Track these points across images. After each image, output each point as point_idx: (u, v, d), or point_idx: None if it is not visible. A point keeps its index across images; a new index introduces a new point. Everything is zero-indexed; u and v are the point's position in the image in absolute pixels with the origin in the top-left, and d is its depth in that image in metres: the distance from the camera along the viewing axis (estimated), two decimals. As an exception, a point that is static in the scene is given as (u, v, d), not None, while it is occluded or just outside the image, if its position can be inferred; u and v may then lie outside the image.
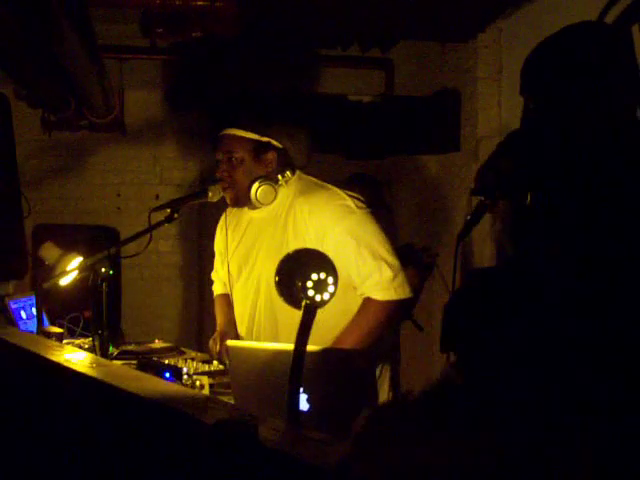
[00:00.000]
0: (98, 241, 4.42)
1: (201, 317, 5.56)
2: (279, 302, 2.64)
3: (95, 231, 5.00)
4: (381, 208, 4.24)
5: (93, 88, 4.13)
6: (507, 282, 1.03)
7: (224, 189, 2.86)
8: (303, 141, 2.91)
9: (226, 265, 3.03)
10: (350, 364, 1.95)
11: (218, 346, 2.93)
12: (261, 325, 2.86)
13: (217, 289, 3.27)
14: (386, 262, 2.73)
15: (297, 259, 1.74)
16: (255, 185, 2.79)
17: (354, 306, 2.76)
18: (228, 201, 2.91)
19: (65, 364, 2.11)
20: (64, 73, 3.74)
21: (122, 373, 2.09)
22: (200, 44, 4.83)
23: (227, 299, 3.14)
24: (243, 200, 2.86)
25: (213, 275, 3.30)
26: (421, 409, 0.99)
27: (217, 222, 3.18)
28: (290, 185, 2.86)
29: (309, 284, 1.69)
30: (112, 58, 4.85)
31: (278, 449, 1.41)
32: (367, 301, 2.75)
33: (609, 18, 3.66)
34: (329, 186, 2.86)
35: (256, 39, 5.17)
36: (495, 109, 4.96)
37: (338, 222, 2.72)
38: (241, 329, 2.97)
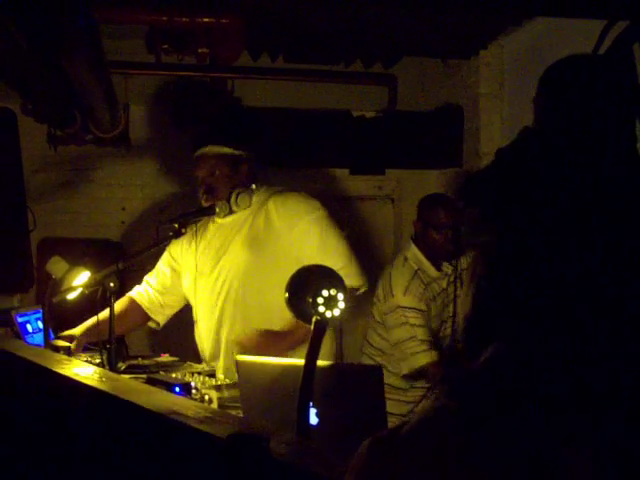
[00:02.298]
0: (103, 255, 4.44)
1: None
2: (250, 289, 3.05)
3: (100, 245, 5.01)
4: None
5: (99, 103, 4.15)
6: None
7: (206, 201, 3.14)
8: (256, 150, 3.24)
9: (172, 273, 3.34)
10: (359, 379, 1.97)
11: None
12: (230, 310, 3.12)
13: (134, 291, 3.45)
14: (343, 251, 3.06)
15: (308, 275, 1.77)
16: (234, 193, 3.09)
17: None
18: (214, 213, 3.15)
19: (75, 378, 2.12)
20: (71, 89, 3.77)
21: (132, 387, 2.11)
22: (205, 60, 4.86)
23: (132, 304, 3.38)
24: (228, 209, 3.12)
25: (147, 277, 3.45)
26: (416, 440, 1.00)
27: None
28: (261, 192, 3.16)
29: (320, 300, 1.72)
30: (118, 73, 4.87)
31: (290, 462, 1.43)
32: None
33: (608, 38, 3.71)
34: (292, 190, 3.21)
35: (260, 55, 5.22)
36: (497, 125, 5.00)
37: (306, 215, 3.06)
38: (208, 318, 3.19)
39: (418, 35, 4.76)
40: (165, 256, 3.38)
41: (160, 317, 3.43)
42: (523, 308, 1.01)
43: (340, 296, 1.72)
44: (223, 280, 3.13)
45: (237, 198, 3.08)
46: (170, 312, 3.45)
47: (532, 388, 0.97)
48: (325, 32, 4.67)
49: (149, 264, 3.34)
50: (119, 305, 3.27)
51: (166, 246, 3.16)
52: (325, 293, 1.70)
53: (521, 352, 1.00)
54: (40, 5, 2.69)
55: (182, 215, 3.00)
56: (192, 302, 3.30)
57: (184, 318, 5.22)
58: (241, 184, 3.13)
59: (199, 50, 4.61)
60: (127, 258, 3.03)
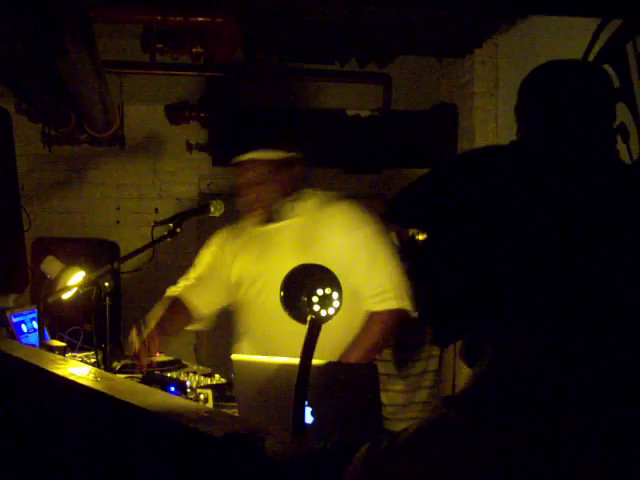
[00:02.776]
0: (98, 255, 4.43)
1: (199, 330, 5.56)
2: None
3: (95, 244, 5.00)
4: None
5: (94, 103, 4.15)
6: None
7: (253, 210, 2.89)
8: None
9: (213, 278, 3.10)
10: (354, 378, 1.97)
11: (138, 345, 2.91)
12: (281, 325, 2.86)
13: (172, 291, 3.20)
14: (394, 273, 2.81)
15: (302, 274, 1.76)
16: (287, 200, 2.86)
17: (358, 320, 2.79)
18: (257, 219, 2.93)
19: (70, 378, 2.12)
20: (65, 88, 3.77)
21: (128, 387, 2.10)
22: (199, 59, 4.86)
23: (175, 303, 3.13)
24: (274, 216, 2.90)
25: (181, 281, 3.22)
26: (416, 446, 1.01)
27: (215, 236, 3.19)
28: (309, 197, 2.92)
29: (314, 299, 1.71)
30: (112, 73, 4.87)
31: (285, 462, 1.43)
32: (371, 314, 2.79)
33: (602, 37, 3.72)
34: (345, 198, 2.95)
35: (255, 54, 5.22)
36: (492, 123, 5.00)
37: (356, 230, 2.83)
38: (255, 329, 2.96)
39: (413, 34, 4.76)
40: (211, 261, 3.17)
41: (198, 323, 3.23)
42: (523, 308, 1.02)
43: (335, 295, 1.72)
44: (269, 291, 2.85)
45: (291, 205, 2.87)
46: (210, 314, 3.22)
47: (532, 388, 0.97)
48: (320, 31, 4.67)
49: (144, 264, 3.32)
50: (166, 309, 3.12)
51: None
52: (320, 292, 1.70)
53: (521, 352, 1.01)
54: (35, 5, 2.69)
55: (177, 215, 2.97)
56: (240, 310, 3.08)
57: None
58: (292, 190, 2.88)
59: (193, 49, 4.62)
60: (122, 258, 3.01)
